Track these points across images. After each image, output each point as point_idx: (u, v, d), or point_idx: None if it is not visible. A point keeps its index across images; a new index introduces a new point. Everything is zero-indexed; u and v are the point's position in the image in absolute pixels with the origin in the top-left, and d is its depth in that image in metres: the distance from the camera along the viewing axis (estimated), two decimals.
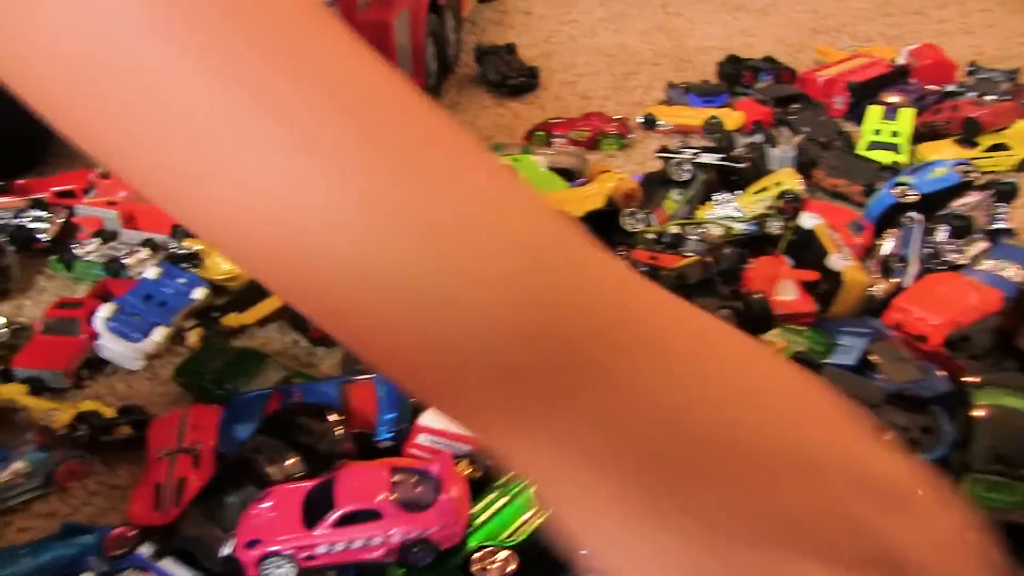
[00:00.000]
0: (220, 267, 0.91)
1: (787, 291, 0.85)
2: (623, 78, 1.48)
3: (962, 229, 0.91)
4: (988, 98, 1.26)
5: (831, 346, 0.78)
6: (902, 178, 1.00)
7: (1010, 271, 0.85)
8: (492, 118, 1.34)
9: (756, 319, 0.75)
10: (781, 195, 0.96)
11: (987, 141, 1.13)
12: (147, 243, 0.93)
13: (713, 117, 1.22)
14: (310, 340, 0.85)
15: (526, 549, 0.56)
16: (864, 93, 1.29)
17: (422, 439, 0.68)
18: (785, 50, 1.60)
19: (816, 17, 1.79)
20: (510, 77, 1.40)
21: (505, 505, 0.58)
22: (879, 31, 1.67)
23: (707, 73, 1.46)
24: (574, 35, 1.72)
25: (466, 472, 0.60)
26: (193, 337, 0.85)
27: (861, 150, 1.14)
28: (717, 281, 0.79)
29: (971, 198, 0.97)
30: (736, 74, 1.39)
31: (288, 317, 0.86)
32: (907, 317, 0.81)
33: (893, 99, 1.27)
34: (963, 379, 0.67)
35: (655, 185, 0.99)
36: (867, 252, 0.94)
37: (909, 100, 1.26)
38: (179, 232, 0.93)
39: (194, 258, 0.91)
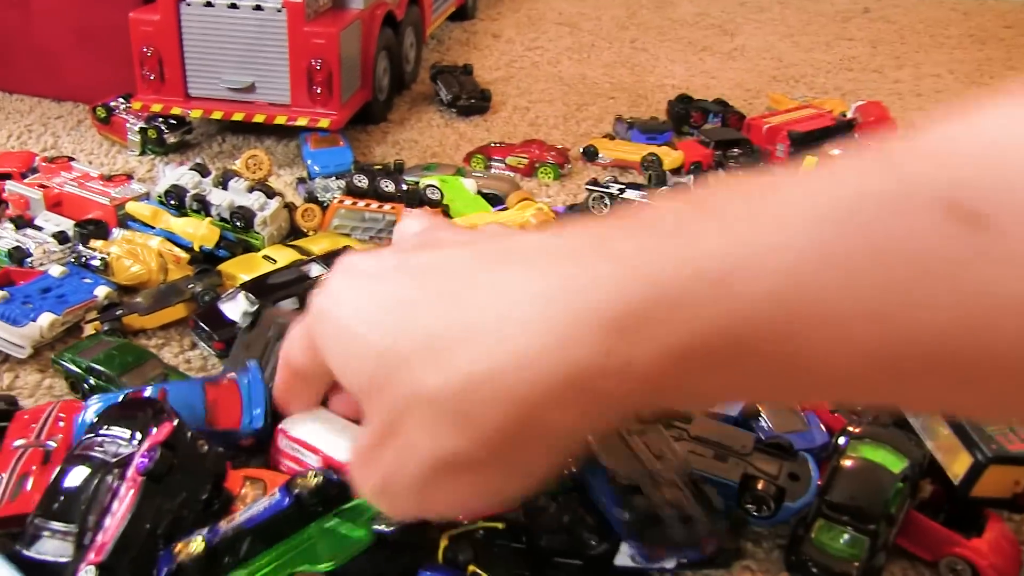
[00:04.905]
0: (128, 269, 0.90)
1: None
2: (576, 108, 1.49)
3: None
4: None
5: None
6: None
7: None
8: (437, 136, 1.34)
9: None
10: None
11: None
12: (59, 235, 0.93)
13: (651, 154, 1.23)
14: (212, 350, 0.84)
15: None
16: (805, 143, 1.30)
17: (282, 443, 0.67)
18: (743, 95, 1.62)
19: (779, 65, 1.81)
20: (461, 98, 1.41)
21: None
22: (837, 85, 1.69)
23: (660, 111, 1.47)
24: (537, 62, 1.73)
25: (313, 482, 0.60)
26: (89, 330, 0.84)
27: None
28: None
29: None
30: (685, 113, 1.40)
31: (192, 324, 0.86)
32: None
33: (835, 152, 1.28)
34: (846, 428, 0.67)
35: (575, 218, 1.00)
36: None
37: None
38: (85, 235, 0.93)
39: (101, 262, 0.90)
